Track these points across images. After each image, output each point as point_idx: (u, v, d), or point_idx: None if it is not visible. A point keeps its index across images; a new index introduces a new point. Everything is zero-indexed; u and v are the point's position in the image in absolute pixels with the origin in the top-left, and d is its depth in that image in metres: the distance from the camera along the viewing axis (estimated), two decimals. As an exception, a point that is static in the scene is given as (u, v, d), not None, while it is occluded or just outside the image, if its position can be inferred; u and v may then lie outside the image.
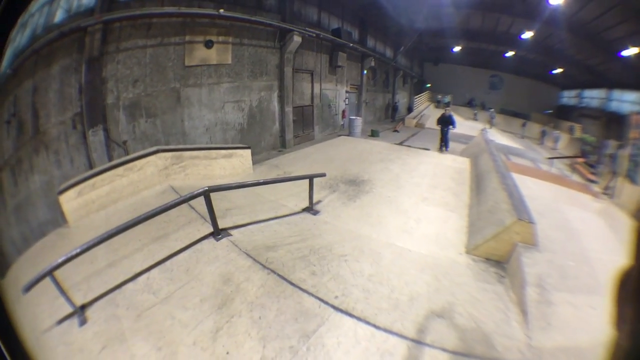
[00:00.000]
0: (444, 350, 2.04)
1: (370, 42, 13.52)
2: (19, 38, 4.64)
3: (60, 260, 2.42)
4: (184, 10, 5.74)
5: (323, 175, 4.58)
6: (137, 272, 2.77)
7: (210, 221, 3.17)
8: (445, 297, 2.57)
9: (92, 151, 4.97)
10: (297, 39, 7.92)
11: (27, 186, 4.81)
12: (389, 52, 15.61)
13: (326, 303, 2.38)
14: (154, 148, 4.79)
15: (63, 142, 5.01)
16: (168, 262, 2.83)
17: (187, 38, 5.99)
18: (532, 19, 10.95)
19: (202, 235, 3.17)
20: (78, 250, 2.44)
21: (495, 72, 14.74)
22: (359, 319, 2.25)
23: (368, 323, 2.21)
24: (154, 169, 4.61)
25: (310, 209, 4.17)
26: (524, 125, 13.54)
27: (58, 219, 4.54)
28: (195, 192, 3.01)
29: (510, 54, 13.82)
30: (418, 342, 2.09)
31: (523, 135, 13.33)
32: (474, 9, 12.07)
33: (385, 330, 2.16)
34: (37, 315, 2.57)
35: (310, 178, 4.14)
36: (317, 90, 9.99)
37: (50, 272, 2.42)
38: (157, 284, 2.62)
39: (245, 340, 2.05)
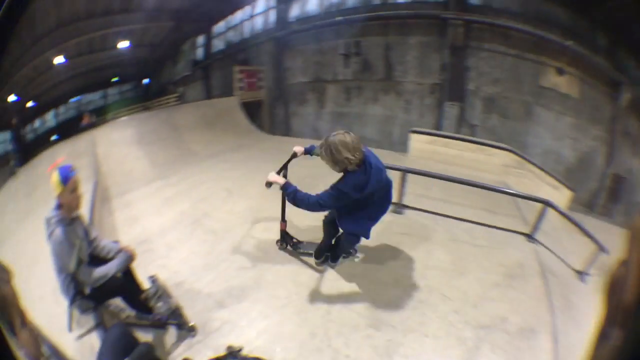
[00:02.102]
0: None
1: None
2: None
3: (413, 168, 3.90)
4: (532, 30, 6.24)
5: None
6: (463, 218, 3.93)
7: (532, 227, 3.83)
8: None
9: (444, 118, 6.53)
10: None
11: (364, 108, 7.00)
12: None
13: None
14: (507, 146, 5.80)
15: (417, 98, 6.74)
16: (486, 228, 3.83)
17: (541, 58, 6.49)
18: None
19: (517, 230, 3.90)
20: (428, 171, 3.92)
21: None
22: None
23: None
24: (497, 161, 5.69)
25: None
26: None
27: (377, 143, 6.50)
28: (538, 197, 3.80)
29: None
30: None
31: None
32: None
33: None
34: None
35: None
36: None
37: (403, 171, 3.94)
38: (477, 234, 3.71)
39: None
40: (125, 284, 2.76)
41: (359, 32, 7.08)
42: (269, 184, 2.67)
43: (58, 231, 2.39)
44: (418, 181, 4.16)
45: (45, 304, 2.97)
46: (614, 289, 0.81)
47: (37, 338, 1.40)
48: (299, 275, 3.19)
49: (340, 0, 7.41)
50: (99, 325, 2.76)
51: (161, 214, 4.97)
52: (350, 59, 7.22)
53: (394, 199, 3.88)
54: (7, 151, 6.44)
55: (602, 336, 0.83)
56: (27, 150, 6.78)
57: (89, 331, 2.76)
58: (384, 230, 3.61)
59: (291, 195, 2.55)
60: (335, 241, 3.20)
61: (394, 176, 4.02)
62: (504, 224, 3.92)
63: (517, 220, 4.15)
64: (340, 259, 3.24)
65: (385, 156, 5.63)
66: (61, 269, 2.48)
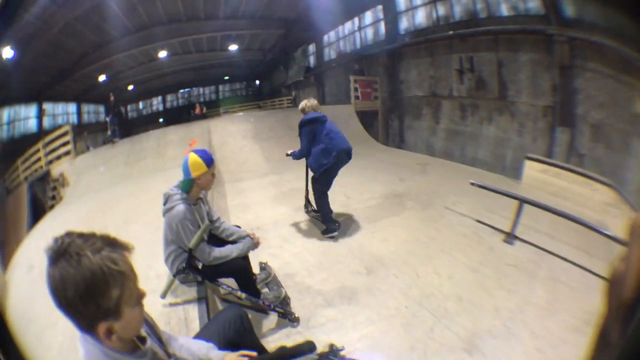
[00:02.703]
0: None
1: None
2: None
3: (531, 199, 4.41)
4: (622, 48, 5.44)
5: None
6: (565, 257, 4.10)
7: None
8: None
9: (556, 145, 6.39)
10: None
11: (478, 128, 7.12)
12: None
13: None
14: (610, 182, 5.55)
15: (531, 120, 6.69)
16: (581, 270, 3.96)
17: (632, 81, 5.73)
18: None
19: (604, 275, 3.87)
20: (547, 205, 4.27)
21: None
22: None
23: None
24: (599, 198, 5.51)
25: None
26: None
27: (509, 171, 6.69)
28: (622, 239, 3.73)
29: None
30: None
31: None
32: None
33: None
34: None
35: None
36: None
37: (522, 201, 4.33)
38: (573, 275, 3.73)
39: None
40: (246, 267, 2.89)
41: (471, 47, 7.13)
42: (287, 155, 4.61)
43: (183, 208, 2.49)
44: (528, 212, 4.40)
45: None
46: (614, 286, 0.80)
47: (143, 316, 1.28)
48: (412, 289, 3.43)
49: (447, 14, 7.60)
50: (201, 299, 2.90)
51: (275, 207, 5.34)
52: (465, 75, 7.29)
53: (507, 228, 4.62)
54: (100, 121, 7.45)
55: (603, 333, 0.82)
56: (128, 126, 7.88)
57: (184, 302, 2.90)
58: (496, 259, 4.11)
59: (293, 155, 4.50)
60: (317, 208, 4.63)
61: (509, 204, 4.57)
62: (596, 268, 4.00)
63: (607, 266, 4.22)
64: (329, 233, 4.39)
65: (498, 182, 6.20)
66: (172, 241, 2.60)
